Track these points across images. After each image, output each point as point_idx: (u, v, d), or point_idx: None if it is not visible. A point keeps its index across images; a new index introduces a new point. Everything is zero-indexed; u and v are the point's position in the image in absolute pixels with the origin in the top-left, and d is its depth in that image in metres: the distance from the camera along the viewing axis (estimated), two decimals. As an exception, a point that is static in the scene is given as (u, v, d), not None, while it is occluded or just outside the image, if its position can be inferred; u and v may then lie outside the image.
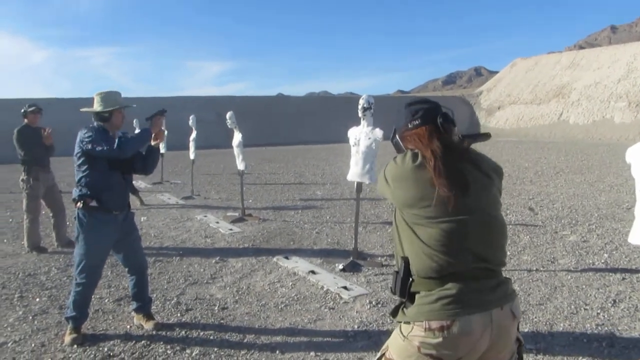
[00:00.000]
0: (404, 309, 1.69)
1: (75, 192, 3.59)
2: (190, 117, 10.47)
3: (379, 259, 5.60)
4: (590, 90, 30.37)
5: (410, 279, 1.69)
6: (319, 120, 35.12)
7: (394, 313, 1.75)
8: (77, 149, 3.56)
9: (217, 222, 7.69)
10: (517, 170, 13.69)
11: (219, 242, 6.52)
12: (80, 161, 3.57)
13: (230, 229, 7.18)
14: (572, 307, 4.09)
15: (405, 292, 1.69)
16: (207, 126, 21.95)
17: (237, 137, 7.72)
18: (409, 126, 1.80)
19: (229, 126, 7.72)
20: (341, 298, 4.39)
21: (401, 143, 1.84)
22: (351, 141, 5.33)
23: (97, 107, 3.63)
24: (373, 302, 4.25)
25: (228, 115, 7.59)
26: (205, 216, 8.26)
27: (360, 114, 5.19)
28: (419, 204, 1.65)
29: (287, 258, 5.66)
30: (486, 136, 2.20)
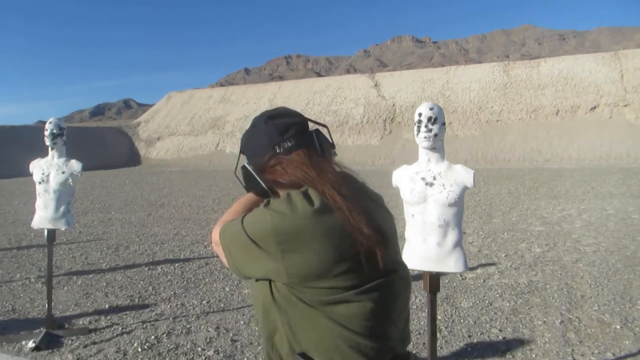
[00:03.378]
0: None
1: None
2: None
3: (81, 322, 4.48)
4: (241, 123, 33.41)
5: None
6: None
7: None
8: None
9: None
10: (195, 200, 13.60)
11: None
12: None
13: None
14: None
15: None
16: None
17: None
18: (278, 150, 1.17)
19: None
20: (47, 389, 3.24)
21: (258, 178, 1.20)
22: (36, 177, 4.10)
23: None
24: (97, 385, 3.26)
25: None
26: None
27: (48, 142, 4.04)
28: (335, 269, 1.06)
29: (-61, 347, 3.96)
30: None
